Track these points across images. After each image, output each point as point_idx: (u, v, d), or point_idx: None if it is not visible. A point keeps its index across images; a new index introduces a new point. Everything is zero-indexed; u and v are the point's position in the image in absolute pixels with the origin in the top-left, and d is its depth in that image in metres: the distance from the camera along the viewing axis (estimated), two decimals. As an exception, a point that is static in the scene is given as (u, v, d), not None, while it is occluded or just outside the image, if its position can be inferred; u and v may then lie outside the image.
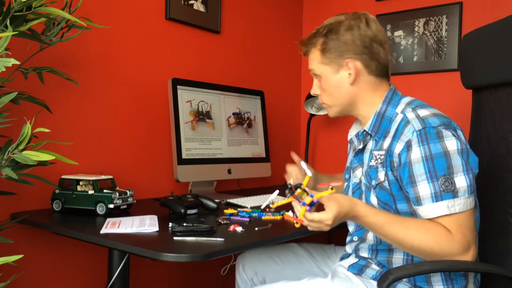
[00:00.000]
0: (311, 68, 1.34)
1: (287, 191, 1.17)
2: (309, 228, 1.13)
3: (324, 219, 1.08)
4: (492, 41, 1.32)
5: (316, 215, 1.09)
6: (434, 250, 1.10)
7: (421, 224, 1.13)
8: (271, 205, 1.20)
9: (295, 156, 1.51)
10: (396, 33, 2.36)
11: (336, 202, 1.09)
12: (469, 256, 1.10)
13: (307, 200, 1.09)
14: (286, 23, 2.65)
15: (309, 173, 1.19)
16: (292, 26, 2.70)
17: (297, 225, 1.13)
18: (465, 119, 1.61)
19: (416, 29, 2.31)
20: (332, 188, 1.10)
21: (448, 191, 1.11)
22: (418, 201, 1.15)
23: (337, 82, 1.29)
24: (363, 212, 1.13)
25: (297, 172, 1.49)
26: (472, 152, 1.18)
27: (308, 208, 1.09)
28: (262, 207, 1.28)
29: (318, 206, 1.12)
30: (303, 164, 1.24)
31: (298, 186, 1.14)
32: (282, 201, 1.18)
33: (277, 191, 1.19)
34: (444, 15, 2.23)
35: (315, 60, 1.32)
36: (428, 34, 2.28)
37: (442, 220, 1.12)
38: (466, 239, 1.10)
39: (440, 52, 2.24)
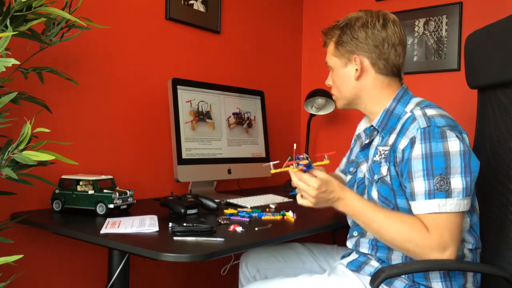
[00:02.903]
0: (326, 60, 1.40)
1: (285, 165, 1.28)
2: (297, 191, 1.24)
3: (311, 182, 1.19)
4: (495, 41, 1.32)
5: (306, 175, 1.21)
6: (407, 244, 1.13)
7: (399, 216, 1.17)
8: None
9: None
10: (396, 33, 2.36)
11: (326, 176, 1.21)
12: (444, 257, 1.11)
13: (304, 162, 1.22)
14: (286, 23, 2.65)
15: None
16: (292, 26, 2.70)
17: (295, 169, 1.23)
18: (466, 119, 1.61)
19: (416, 29, 2.31)
20: (327, 159, 1.22)
21: (441, 190, 1.12)
22: (412, 196, 1.17)
23: (344, 75, 1.35)
24: (350, 196, 1.21)
25: None
26: (474, 156, 1.17)
27: (304, 168, 1.22)
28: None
29: None
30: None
31: (298, 157, 1.25)
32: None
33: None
34: (444, 15, 2.23)
35: (329, 52, 1.38)
36: (428, 34, 2.28)
37: (426, 217, 1.14)
38: (442, 239, 1.11)
39: (440, 52, 2.24)
